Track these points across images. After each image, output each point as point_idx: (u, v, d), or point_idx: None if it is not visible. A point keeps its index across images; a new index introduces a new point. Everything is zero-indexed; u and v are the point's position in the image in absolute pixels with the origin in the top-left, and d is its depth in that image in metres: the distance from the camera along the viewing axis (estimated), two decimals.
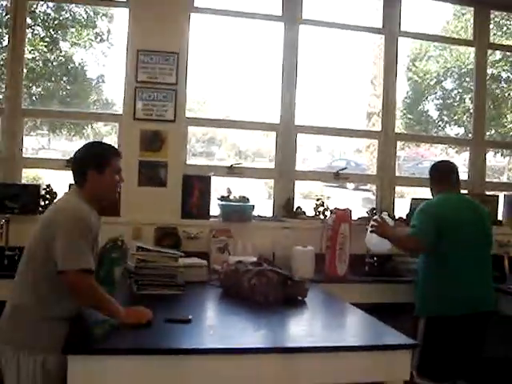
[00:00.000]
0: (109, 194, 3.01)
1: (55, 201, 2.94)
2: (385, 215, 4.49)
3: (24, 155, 4.89)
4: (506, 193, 5.81)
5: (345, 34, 5.65)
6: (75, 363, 2.36)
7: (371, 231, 4.30)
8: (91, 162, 2.88)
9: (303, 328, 3.11)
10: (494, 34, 8.59)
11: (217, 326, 3.05)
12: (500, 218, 5.60)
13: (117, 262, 3.06)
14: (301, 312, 3.34)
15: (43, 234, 2.75)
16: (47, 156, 7.56)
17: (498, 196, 5.65)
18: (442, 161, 4.58)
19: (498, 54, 9.28)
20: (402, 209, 5.45)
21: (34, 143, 7.09)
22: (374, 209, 5.36)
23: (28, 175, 5.60)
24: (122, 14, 4.93)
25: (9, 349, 2.70)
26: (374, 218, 4.39)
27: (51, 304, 2.72)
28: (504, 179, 10.87)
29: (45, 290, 2.72)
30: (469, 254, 3.88)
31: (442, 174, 4.20)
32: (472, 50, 5.94)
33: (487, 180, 5.96)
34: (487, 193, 5.68)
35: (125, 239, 3.21)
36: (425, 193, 5.35)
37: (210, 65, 5.42)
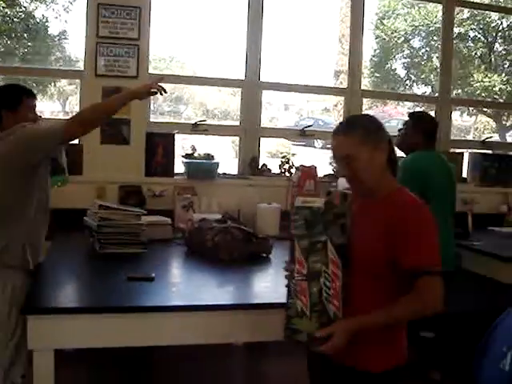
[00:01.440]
0: None
1: None
2: None
3: None
4: (470, 150, 5.84)
5: None
6: (35, 323, 2.33)
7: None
8: (4, 102, 3.00)
9: (267, 284, 3.09)
10: None
11: (180, 283, 3.04)
12: (465, 175, 5.64)
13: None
14: (265, 269, 3.34)
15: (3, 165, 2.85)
16: None
17: (463, 153, 5.68)
18: (426, 112, 4.49)
19: (467, 13, 9.27)
20: None
21: None
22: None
23: None
24: None
25: None
26: None
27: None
28: (470, 138, 10.96)
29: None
30: (444, 212, 3.87)
31: (434, 128, 4.06)
32: (440, 7, 5.90)
33: (453, 138, 5.98)
34: (452, 151, 5.71)
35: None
36: None
37: (175, 20, 5.30)
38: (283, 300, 2.63)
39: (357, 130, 2.12)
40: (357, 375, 2.12)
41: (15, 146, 2.82)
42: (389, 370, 2.11)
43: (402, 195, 2.17)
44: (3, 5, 5.69)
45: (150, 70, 4.79)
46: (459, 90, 7.70)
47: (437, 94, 5.88)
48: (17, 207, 2.87)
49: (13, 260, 2.83)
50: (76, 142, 4.55)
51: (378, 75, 9.99)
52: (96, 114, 3.01)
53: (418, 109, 7.26)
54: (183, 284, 2.99)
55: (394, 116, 10.50)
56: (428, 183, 3.76)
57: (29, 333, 2.31)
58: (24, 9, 5.86)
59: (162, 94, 3.16)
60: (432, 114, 5.84)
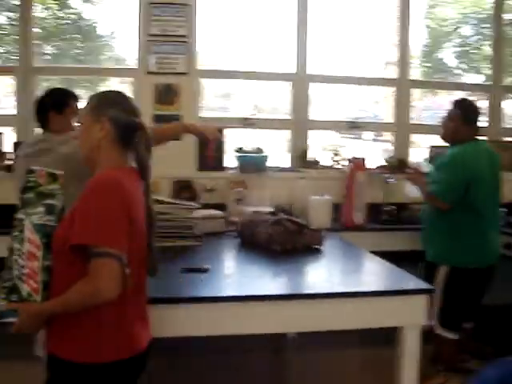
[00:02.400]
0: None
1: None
2: (423, 162, 4.49)
3: None
4: None
5: None
6: None
7: (406, 178, 4.32)
8: (52, 104, 3.12)
9: (320, 275, 3.12)
10: None
11: (235, 274, 3.08)
12: None
13: None
14: (318, 260, 3.35)
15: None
16: None
17: None
18: (468, 99, 4.38)
19: None
20: (419, 158, 5.41)
21: None
22: (391, 157, 5.32)
23: None
24: None
25: None
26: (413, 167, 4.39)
27: None
28: None
29: None
30: (491, 205, 3.86)
31: (477, 115, 4.01)
32: None
33: (505, 126, 5.89)
34: (505, 139, 5.62)
35: None
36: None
37: (222, 16, 5.35)
38: (336, 290, 2.67)
39: (91, 100, 2.16)
40: (57, 363, 1.97)
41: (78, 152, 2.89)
42: (99, 362, 1.93)
43: (100, 173, 2.06)
44: (56, 8, 5.80)
45: (199, 67, 4.85)
46: (511, 78, 7.55)
47: (489, 83, 5.79)
48: None
49: None
50: None
51: (428, 65, 9.84)
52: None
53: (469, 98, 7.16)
54: (237, 275, 3.02)
55: (444, 106, 10.32)
56: (476, 179, 3.76)
57: None
58: (75, 10, 5.95)
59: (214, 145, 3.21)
60: (484, 102, 5.76)
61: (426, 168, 4.30)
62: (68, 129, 3.09)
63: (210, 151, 3.68)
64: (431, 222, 4.00)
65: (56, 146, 2.94)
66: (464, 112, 3.91)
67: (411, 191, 4.35)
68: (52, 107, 3.12)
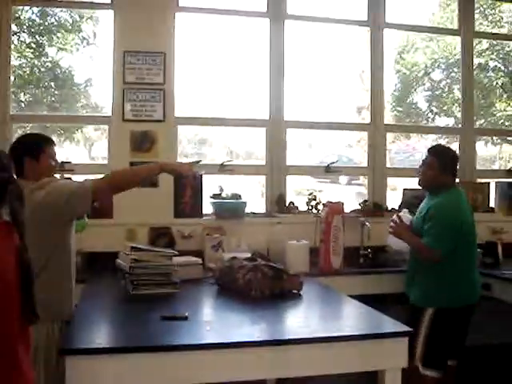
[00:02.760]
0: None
1: None
2: (405, 212, 4.26)
3: None
4: (497, 180, 5.83)
5: (331, 28, 5.68)
6: (72, 363, 2.36)
7: (389, 232, 4.12)
8: (25, 150, 3.06)
9: (299, 320, 3.11)
10: (480, 24, 8.62)
11: (213, 321, 3.05)
12: (492, 205, 5.63)
13: None
14: (297, 305, 3.35)
15: (31, 224, 2.80)
16: None
17: (489, 183, 5.68)
18: (445, 146, 4.52)
19: (485, 43, 9.31)
20: (394, 201, 5.46)
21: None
22: (365, 201, 5.37)
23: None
24: (106, 17, 4.94)
25: None
26: (393, 217, 4.15)
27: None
28: (496, 167, 10.90)
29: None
30: (473, 248, 3.94)
31: (455, 162, 4.04)
32: (458, 39, 5.96)
33: (478, 168, 5.99)
34: (478, 181, 5.71)
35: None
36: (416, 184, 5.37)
37: (198, 64, 5.42)
38: (316, 335, 2.66)
39: None
40: None
41: (53, 199, 2.88)
42: None
43: None
44: (31, 56, 5.84)
45: (176, 114, 4.88)
46: (482, 120, 7.70)
47: (460, 125, 5.90)
48: (54, 259, 2.93)
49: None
50: None
51: (400, 109, 10.02)
52: (125, 178, 3.15)
53: (440, 141, 7.28)
54: (216, 322, 3.00)
55: (417, 149, 10.48)
56: (464, 226, 3.82)
57: (67, 373, 2.34)
58: (51, 58, 6.00)
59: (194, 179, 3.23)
60: (456, 145, 5.86)
61: (408, 217, 4.16)
62: (44, 174, 3.05)
63: (185, 195, 3.69)
64: (415, 266, 4.00)
65: (29, 195, 2.93)
66: (441, 160, 3.91)
67: (394, 243, 4.28)
68: (26, 154, 3.06)
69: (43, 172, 3.07)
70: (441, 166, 3.89)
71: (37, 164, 3.07)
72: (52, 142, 3.22)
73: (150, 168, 3.29)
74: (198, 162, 3.55)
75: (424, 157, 4.04)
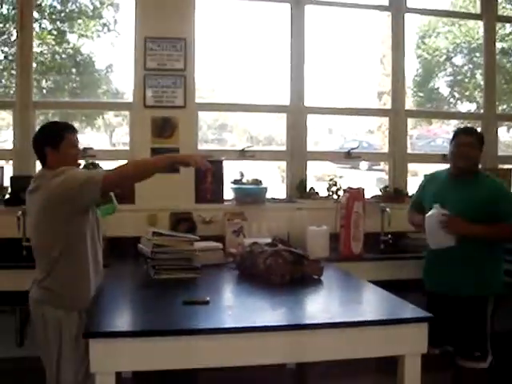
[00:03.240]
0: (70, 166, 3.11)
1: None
2: (436, 207, 3.70)
3: None
4: None
5: (352, 13, 5.65)
6: (96, 347, 2.40)
7: (444, 229, 3.63)
8: (46, 140, 3.09)
9: (320, 305, 3.13)
10: (503, 8, 8.51)
11: (234, 306, 3.08)
12: None
13: None
14: (317, 290, 3.36)
15: (46, 212, 2.96)
16: None
17: (511, 169, 5.63)
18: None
19: (509, 28, 9.19)
20: (414, 187, 5.44)
21: None
22: (386, 187, 5.36)
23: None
24: (127, 3, 4.96)
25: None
26: (440, 213, 3.67)
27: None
28: None
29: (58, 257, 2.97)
30: None
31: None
32: (481, 24, 5.91)
33: (500, 154, 5.94)
34: (500, 166, 5.67)
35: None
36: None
37: (218, 50, 5.42)
38: (336, 320, 2.68)
39: None
40: None
41: (67, 186, 2.92)
42: None
43: None
44: (53, 42, 5.87)
45: (196, 100, 4.90)
46: (505, 106, 7.63)
47: (482, 111, 5.86)
48: (69, 248, 3.00)
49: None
50: None
51: (421, 95, 9.94)
52: (137, 170, 3.12)
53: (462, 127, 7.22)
54: (238, 307, 3.02)
55: (439, 135, 10.41)
56: None
57: (91, 356, 2.39)
58: (72, 45, 6.02)
59: (206, 173, 3.20)
60: (478, 130, 5.83)
61: (445, 211, 3.68)
62: (66, 162, 3.06)
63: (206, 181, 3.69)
64: (464, 258, 3.71)
65: (46, 183, 2.97)
66: (481, 140, 3.82)
67: (436, 243, 3.74)
68: (47, 144, 3.09)
69: (65, 160, 3.08)
70: (480, 146, 3.79)
71: (58, 153, 3.08)
72: (72, 130, 3.20)
73: (165, 159, 3.23)
74: (210, 155, 3.54)
75: (455, 139, 3.81)
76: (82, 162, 3.43)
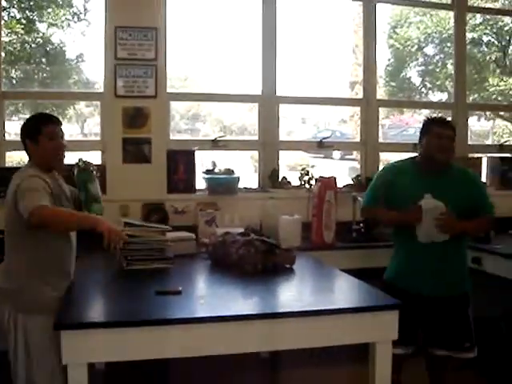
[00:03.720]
0: (50, 160, 3.07)
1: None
2: (428, 197, 3.48)
3: (8, 139, 4.89)
4: (489, 155, 5.85)
5: (324, 2, 5.66)
6: (67, 338, 2.38)
7: (441, 230, 3.43)
8: (25, 133, 3.05)
9: (292, 294, 3.14)
10: None
11: (207, 295, 3.08)
12: (484, 180, 5.66)
13: (87, 180, 3.10)
14: (289, 279, 3.37)
15: (9, 207, 2.93)
16: None
17: (481, 158, 5.70)
18: None
19: (479, 18, 9.28)
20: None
21: (16, 127, 7.07)
22: (358, 176, 5.39)
23: (13, 159, 5.57)
24: None
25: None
26: (437, 208, 3.45)
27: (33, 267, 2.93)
28: (489, 142, 10.92)
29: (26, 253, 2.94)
30: None
31: None
32: (452, 14, 5.95)
33: (470, 143, 6.01)
34: (470, 155, 5.73)
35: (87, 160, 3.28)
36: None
37: (189, 40, 5.40)
38: (309, 308, 2.70)
39: None
40: None
41: (13, 195, 2.88)
42: None
43: None
44: (22, 32, 5.80)
45: (168, 90, 4.88)
46: (475, 95, 7.71)
47: (453, 100, 5.91)
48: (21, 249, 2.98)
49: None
50: (99, 162, 4.66)
51: (393, 84, 10.01)
52: (57, 219, 2.86)
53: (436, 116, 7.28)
54: (210, 296, 3.03)
55: (411, 124, 10.50)
56: None
57: (62, 348, 2.37)
58: (42, 34, 5.96)
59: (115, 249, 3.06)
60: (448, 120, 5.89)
61: (435, 202, 3.47)
62: (46, 155, 3.02)
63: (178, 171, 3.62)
64: (459, 254, 3.63)
65: (14, 177, 2.96)
66: (455, 131, 3.61)
67: (439, 234, 3.48)
68: (26, 136, 3.04)
69: (45, 154, 3.03)
70: (454, 137, 3.59)
71: (37, 146, 3.03)
72: (51, 121, 3.09)
73: (84, 219, 2.98)
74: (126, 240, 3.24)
75: (434, 130, 3.54)
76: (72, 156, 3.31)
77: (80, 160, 3.18)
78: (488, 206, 3.61)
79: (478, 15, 8.21)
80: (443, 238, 3.46)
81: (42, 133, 3.02)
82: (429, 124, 3.61)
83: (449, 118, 4.51)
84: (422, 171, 3.59)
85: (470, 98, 6.38)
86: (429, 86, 10.68)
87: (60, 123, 3.15)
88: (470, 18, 6.61)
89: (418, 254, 3.51)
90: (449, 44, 6.62)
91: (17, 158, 6.14)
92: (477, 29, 9.64)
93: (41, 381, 2.87)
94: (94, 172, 3.15)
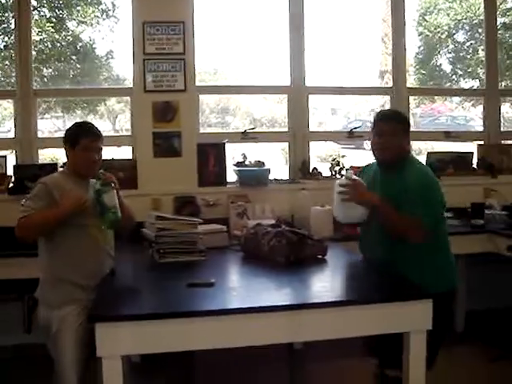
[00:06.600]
0: (81, 169, 3.16)
1: None
2: (350, 173, 3.36)
3: (40, 136, 4.96)
4: None
5: None
6: (102, 331, 2.41)
7: (343, 199, 3.27)
8: (66, 139, 3.17)
9: (324, 284, 3.12)
10: None
11: (239, 287, 3.09)
12: None
13: (102, 191, 3.08)
14: (321, 270, 3.37)
15: None
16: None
17: None
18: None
19: (510, 2, 9.12)
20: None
21: (49, 125, 7.16)
22: None
23: (46, 156, 5.64)
24: None
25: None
26: (340, 180, 3.40)
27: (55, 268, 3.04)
28: None
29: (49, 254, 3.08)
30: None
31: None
32: None
33: (503, 130, 5.92)
34: (503, 143, 5.66)
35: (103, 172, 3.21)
36: (443, 147, 5.33)
37: (218, 33, 5.40)
38: (341, 298, 2.68)
39: None
40: None
41: None
42: None
43: None
44: (52, 30, 5.86)
45: (197, 83, 4.89)
46: (508, 81, 7.59)
47: (484, 87, 5.83)
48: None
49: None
50: (129, 157, 4.70)
51: (423, 72, 9.88)
52: (38, 225, 2.96)
53: (465, 104, 7.20)
54: (242, 288, 3.04)
55: (442, 112, 10.36)
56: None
57: (97, 340, 2.40)
58: (71, 32, 6.01)
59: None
60: (480, 107, 5.82)
61: (355, 177, 3.34)
62: (79, 164, 3.14)
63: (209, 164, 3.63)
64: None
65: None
66: (406, 122, 3.37)
67: (345, 216, 3.44)
68: (66, 142, 3.17)
69: (78, 163, 3.14)
70: (405, 130, 3.31)
71: (72, 154, 3.15)
72: (89, 134, 3.15)
73: (56, 210, 2.98)
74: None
75: (374, 127, 3.32)
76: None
77: (100, 173, 3.19)
78: (417, 215, 3.05)
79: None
80: (360, 218, 3.29)
81: (78, 143, 3.12)
82: (373, 121, 3.37)
83: (480, 106, 4.38)
84: (380, 170, 3.39)
85: (503, 84, 6.26)
86: (460, 73, 10.52)
87: (99, 136, 3.21)
88: (501, 3, 6.49)
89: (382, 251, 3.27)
90: (480, 30, 6.51)
91: (50, 155, 6.22)
92: (508, 13, 9.46)
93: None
94: (112, 184, 3.14)
